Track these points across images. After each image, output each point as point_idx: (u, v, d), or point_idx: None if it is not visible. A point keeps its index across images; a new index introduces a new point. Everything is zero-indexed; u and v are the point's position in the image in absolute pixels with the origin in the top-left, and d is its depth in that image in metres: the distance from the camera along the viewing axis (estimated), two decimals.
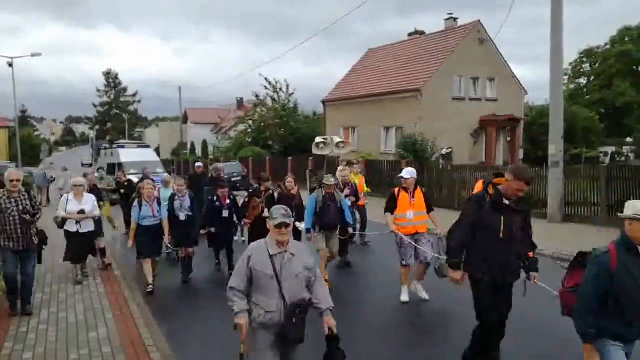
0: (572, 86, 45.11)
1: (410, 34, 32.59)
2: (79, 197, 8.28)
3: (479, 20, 27.71)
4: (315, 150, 14.69)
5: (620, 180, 13.44)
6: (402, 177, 7.28)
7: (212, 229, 8.87)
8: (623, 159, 35.77)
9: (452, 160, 21.87)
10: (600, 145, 35.38)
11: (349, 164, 11.89)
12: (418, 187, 7.29)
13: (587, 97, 43.49)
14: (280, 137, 35.81)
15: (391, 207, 7.26)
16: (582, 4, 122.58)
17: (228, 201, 9.10)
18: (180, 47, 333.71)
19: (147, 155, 24.22)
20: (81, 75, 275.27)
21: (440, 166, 19.05)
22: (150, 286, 7.98)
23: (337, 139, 15.05)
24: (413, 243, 7.10)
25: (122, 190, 12.90)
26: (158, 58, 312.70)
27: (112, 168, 22.69)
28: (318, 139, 14.75)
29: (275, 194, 9.09)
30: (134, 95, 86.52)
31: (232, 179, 24.43)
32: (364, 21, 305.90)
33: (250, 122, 38.31)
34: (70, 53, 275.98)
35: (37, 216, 6.79)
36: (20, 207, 6.51)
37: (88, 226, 8.42)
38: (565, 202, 14.28)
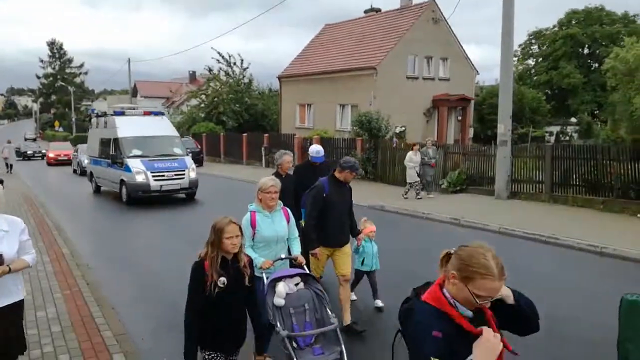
0: (520, 67, 46.34)
1: (366, 11, 32.59)
2: None
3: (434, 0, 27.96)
4: None
5: (564, 159, 14.07)
6: None
7: None
8: (567, 138, 37.39)
9: (405, 139, 22.17)
10: (546, 125, 36.80)
11: None
12: None
13: (535, 77, 44.83)
14: (234, 113, 35.32)
15: None
16: None
17: None
18: (118, 17, 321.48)
19: (160, 127, 16.21)
20: (19, 46, 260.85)
21: (394, 144, 19.32)
22: None
23: None
24: None
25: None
26: (96, 29, 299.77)
27: (107, 146, 15.90)
28: None
29: None
30: (80, 66, 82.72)
31: None
32: None
33: (204, 96, 37.51)
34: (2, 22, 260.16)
35: None
36: None
37: (5, 292, 3.73)
38: (512, 180, 14.83)
